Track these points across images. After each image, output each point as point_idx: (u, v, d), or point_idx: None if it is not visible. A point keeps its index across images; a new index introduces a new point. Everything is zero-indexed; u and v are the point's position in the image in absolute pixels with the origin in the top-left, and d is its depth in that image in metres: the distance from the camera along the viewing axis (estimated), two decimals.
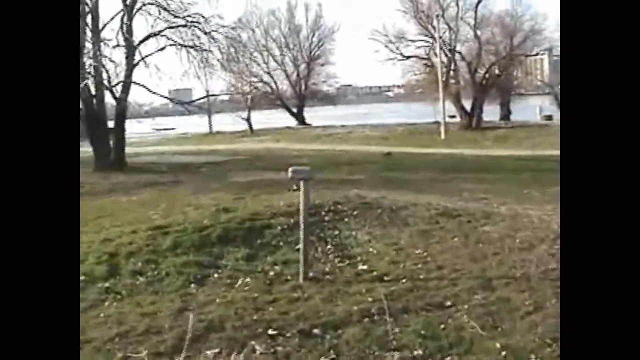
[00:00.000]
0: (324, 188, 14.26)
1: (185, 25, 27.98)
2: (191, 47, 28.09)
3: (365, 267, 9.11)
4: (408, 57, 54.39)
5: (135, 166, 26.66)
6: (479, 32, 50.42)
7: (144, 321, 7.19)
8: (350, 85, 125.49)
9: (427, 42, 52.43)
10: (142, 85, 27.96)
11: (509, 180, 17.87)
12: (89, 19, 25.35)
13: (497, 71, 50.51)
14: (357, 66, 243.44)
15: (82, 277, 8.90)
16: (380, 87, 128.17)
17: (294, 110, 70.75)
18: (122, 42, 26.20)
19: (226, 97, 58.14)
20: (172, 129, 73.94)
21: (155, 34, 27.54)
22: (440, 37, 48.33)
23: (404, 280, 8.28)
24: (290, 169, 8.80)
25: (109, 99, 27.40)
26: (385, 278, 8.47)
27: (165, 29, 27.83)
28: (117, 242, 10.41)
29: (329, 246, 10.20)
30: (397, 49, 54.30)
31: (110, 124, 27.17)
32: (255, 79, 59.99)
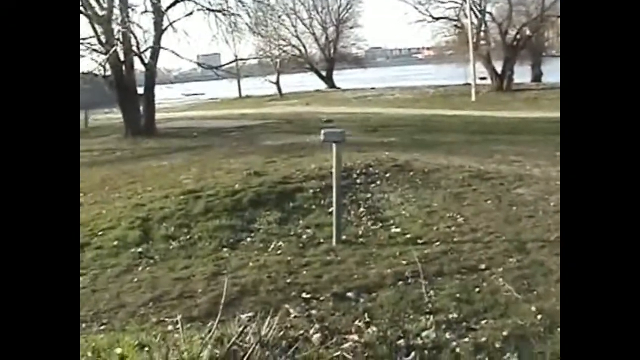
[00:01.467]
0: (355, 151, 14.19)
1: None
2: (219, 11, 27.98)
3: (398, 229, 9.06)
4: (437, 19, 53.81)
5: (166, 131, 26.75)
6: None
7: (177, 286, 7.22)
8: (379, 48, 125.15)
9: (457, 3, 51.76)
10: (171, 50, 27.90)
11: (541, 142, 17.60)
12: None
13: (528, 32, 49.70)
14: (386, 28, 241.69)
15: (115, 242, 9.01)
16: (409, 49, 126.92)
17: (323, 73, 70.46)
18: (150, 8, 26.13)
19: (255, 61, 58.12)
20: (202, 94, 74.06)
21: None
22: None
23: (437, 243, 8.22)
24: (322, 131, 8.73)
25: (138, 65, 27.43)
26: (419, 241, 8.41)
27: None
28: (149, 207, 10.48)
29: (361, 209, 10.16)
30: (427, 10, 53.64)
31: (140, 90, 27.21)
32: (283, 43, 59.90)
